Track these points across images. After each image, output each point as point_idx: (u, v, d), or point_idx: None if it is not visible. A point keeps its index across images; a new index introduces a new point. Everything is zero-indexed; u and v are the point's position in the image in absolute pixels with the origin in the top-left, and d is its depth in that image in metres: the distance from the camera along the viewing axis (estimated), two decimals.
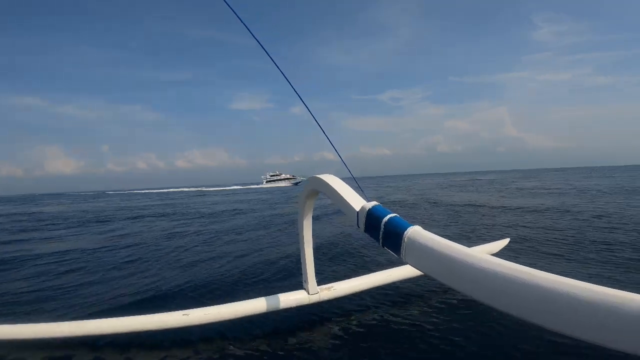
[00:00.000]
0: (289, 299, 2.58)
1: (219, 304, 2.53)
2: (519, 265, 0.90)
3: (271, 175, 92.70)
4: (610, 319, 0.72)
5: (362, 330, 2.63)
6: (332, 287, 2.74)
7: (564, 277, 0.81)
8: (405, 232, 1.16)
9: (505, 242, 3.99)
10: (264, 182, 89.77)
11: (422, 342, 2.38)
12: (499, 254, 3.83)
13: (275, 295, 2.59)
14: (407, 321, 2.72)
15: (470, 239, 5.94)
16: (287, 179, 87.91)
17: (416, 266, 1.15)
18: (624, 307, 0.72)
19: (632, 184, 17.44)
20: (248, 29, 2.03)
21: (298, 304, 2.59)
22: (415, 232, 1.15)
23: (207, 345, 2.45)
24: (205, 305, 2.51)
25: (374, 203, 1.40)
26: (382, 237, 1.25)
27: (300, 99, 2.15)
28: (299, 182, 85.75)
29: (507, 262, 0.92)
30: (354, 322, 2.75)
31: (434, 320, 2.69)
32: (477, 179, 37.58)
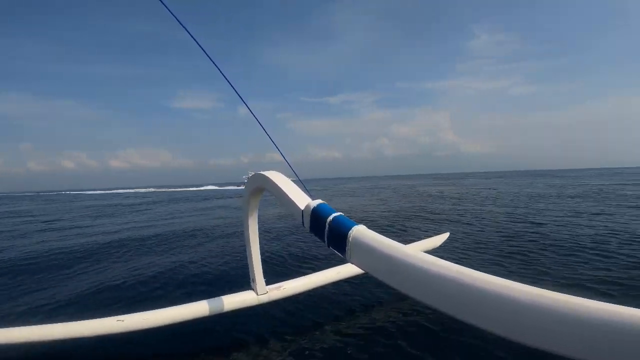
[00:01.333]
0: (235, 301, 2.48)
1: (157, 308, 2.37)
2: (453, 264, 0.90)
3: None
4: (535, 319, 0.74)
5: (315, 330, 2.62)
6: (281, 286, 2.69)
7: (497, 277, 0.82)
8: (349, 232, 1.14)
9: (445, 236, 4.13)
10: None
11: (378, 340, 2.41)
12: (440, 248, 4.00)
13: (220, 297, 2.48)
14: (362, 320, 2.75)
15: (414, 235, 6.19)
16: None
17: (360, 266, 1.14)
18: (549, 307, 0.73)
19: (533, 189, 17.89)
20: (183, 26, 1.91)
21: (246, 305, 2.51)
22: (359, 231, 1.13)
23: (146, 353, 2.30)
24: (144, 310, 2.35)
25: (318, 201, 1.36)
26: (327, 237, 1.22)
27: (240, 97, 2.05)
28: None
29: (443, 260, 0.93)
30: (306, 321, 2.73)
31: (389, 319, 2.73)
32: (382, 184, 36.23)
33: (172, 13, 1.90)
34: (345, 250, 1.15)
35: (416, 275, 0.94)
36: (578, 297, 0.73)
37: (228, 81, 2.05)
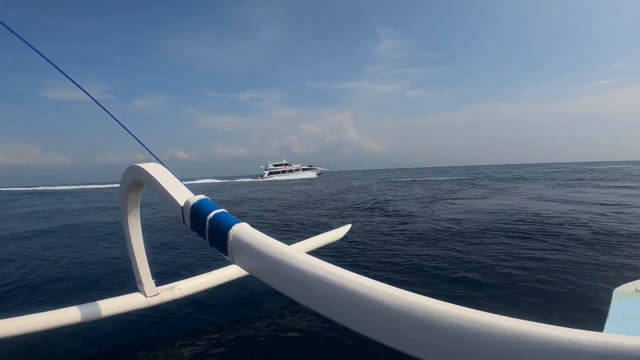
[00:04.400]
0: (121, 304, 2.24)
1: (29, 314, 2.02)
2: (330, 264, 0.89)
3: (275, 165, 71.50)
4: (406, 325, 0.74)
5: (213, 331, 2.52)
6: (175, 286, 2.50)
7: (374, 281, 0.83)
8: (230, 230, 1.07)
9: (347, 228, 4.18)
10: (266, 175, 68.91)
11: (281, 341, 2.39)
12: (343, 239, 4.08)
13: (103, 300, 2.22)
14: (265, 320, 2.69)
15: (318, 226, 6.37)
16: (305, 169, 70.51)
17: (243, 267, 1.08)
18: (417, 313, 0.74)
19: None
20: None
21: (133, 309, 2.28)
22: (241, 230, 1.08)
23: None
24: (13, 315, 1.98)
25: (200, 197, 1.28)
26: (209, 235, 1.15)
27: (84, 91, 1.83)
28: (321, 172, 72.32)
29: (322, 262, 0.92)
30: (202, 324, 2.61)
31: (292, 318, 2.72)
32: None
33: None
34: (227, 250, 1.08)
35: (293, 277, 0.91)
36: (436, 300, 0.76)
37: (59, 69, 1.80)
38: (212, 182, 55.69)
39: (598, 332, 0.66)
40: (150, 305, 2.32)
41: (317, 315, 2.68)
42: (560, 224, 5.97)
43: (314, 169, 71.67)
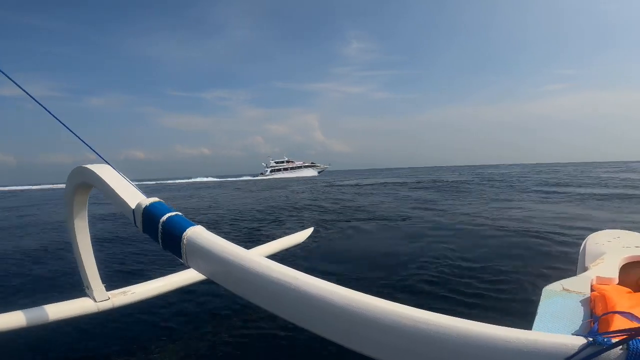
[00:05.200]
0: (68, 309, 2.13)
1: None
2: (288, 268, 0.91)
3: (277, 163, 68.88)
4: (359, 326, 0.78)
5: (167, 337, 2.46)
6: (128, 291, 2.41)
7: (329, 283, 0.85)
8: (184, 234, 1.07)
9: (309, 231, 4.18)
10: (268, 172, 66.62)
11: (245, 346, 2.35)
12: (306, 242, 4.12)
13: (50, 304, 2.11)
14: (221, 323, 2.66)
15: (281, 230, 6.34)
16: (306, 166, 68.39)
17: (199, 270, 1.08)
18: (367, 313, 0.77)
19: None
20: None
21: (82, 313, 2.17)
22: (195, 233, 1.07)
23: None
24: None
25: (153, 200, 1.26)
26: (162, 238, 1.13)
27: (20, 87, 1.74)
28: (322, 170, 70.25)
29: (278, 265, 0.93)
30: (157, 329, 2.53)
31: (254, 322, 2.66)
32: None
33: None
34: (181, 254, 1.08)
35: (249, 279, 0.92)
36: (385, 300, 0.79)
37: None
38: (208, 181, 53.71)
39: (526, 330, 0.72)
40: (100, 310, 2.23)
41: (275, 318, 2.71)
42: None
43: (316, 166, 70.03)
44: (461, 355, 0.70)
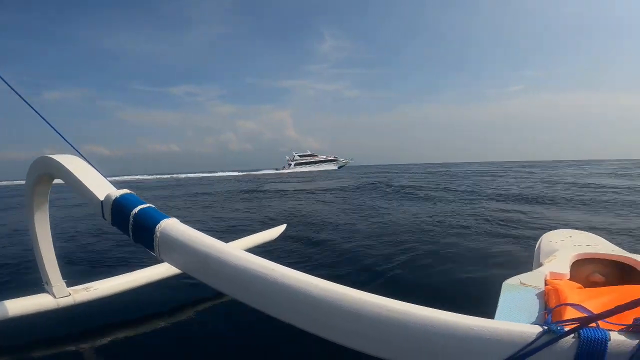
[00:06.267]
0: (25, 305, 2.04)
1: None
2: (265, 260, 0.92)
3: (301, 157, 68.79)
4: (334, 314, 0.80)
5: (132, 334, 2.39)
6: (91, 287, 2.33)
7: (305, 274, 0.87)
8: (157, 226, 1.05)
9: (282, 228, 4.18)
10: (292, 166, 65.96)
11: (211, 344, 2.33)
12: (278, 239, 4.10)
13: (6, 300, 2.02)
14: (190, 322, 2.59)
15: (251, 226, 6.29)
16: (328, 160, 67.95)
17: (172, 263, 1.06)
18: (342, 303, 0.80)
19: None
20: None
21: (41, 310, 2.08)
22: (169, 225, 1.06)
23: None
24: None
25: (124, 191, 1.23)
26: (132, 231, 1.11)
27: None
28: (343, 165, 69.55)
29: (256, 257, 0.94)
30: (122, 326, 2.46)
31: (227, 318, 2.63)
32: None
33: None
34: (153, 247, 1.06)
35: (226, 271, 0.92)
36: (358, 291, 0.82)
37: None
38: (230, 175, 51.88)
39: (489, 319, 0.78)
40: (60, 306, 2.14)
41: (250, 312, 2.69)
42: None
43: (337, 160, 70.00)
44: (429, 342, 0.75)
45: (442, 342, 0.74)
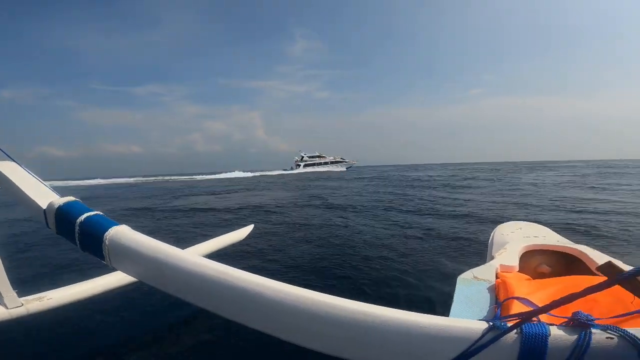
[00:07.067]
0: None
1: None
2: (220, 264, 0.92)
3: (310, 157, 68.07)
4: (287, 315, 0.81)
5: (88, 345, 2.33)
6: (44, 296, 2.21)
7: (261, 277, 0.88)
8: (106, 234, 1.03)
9: (249, 228, 4.13)
10: (302, 167, 65.15)
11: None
12: (246, 240, 4.06)
13: None
14: (151, 326, 2.55)
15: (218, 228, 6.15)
16: (336, 162, 67.92)
17: (125, 271, 1.05)
18: (295, 304, 0.81)
19: None
20: None
21: None
22: (119, 232, 1.04)
23: None
24: None
25: (68, 199, 1.19)
26: (79, 239, 1.08)
27: None
28: (350, 166, 69.43)
29: (210, 261, 0.94)
30: (77, 338, 2.37)
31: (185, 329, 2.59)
32: None
33: None
34: (103, 255, 1.04)
35: (180, 277, 0.92)
36: (312, 291, 0.83)
37: None
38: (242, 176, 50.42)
39: (439, 316, 0.80)
40: (12, 317, 2.02)
41: (211, 317, 2.64)
42: None
43: (344, 162, 70.86)
44: (384, 340, 0.76)
45: (394, 339, 0.75)
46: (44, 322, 2.32)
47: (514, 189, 13.23)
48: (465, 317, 1.07)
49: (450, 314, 1.20)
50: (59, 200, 1.18)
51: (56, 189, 1.32)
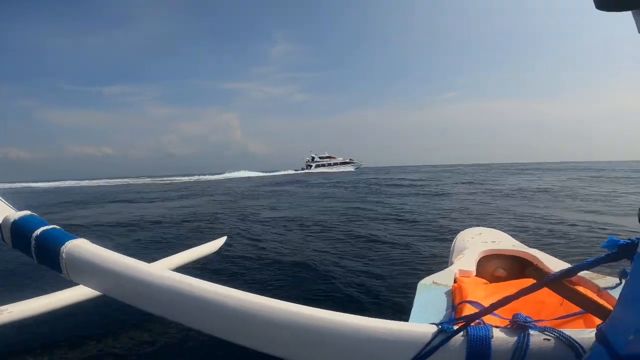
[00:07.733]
0: None
1: None
2: (180, 275, 0.94)
3: (321, 158, 68.75)
4: (248, 322, 0.83)
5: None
6: (4, 310, 2.15)
7: (223, 287, 0.90)
8: (62, 247, 1.04)
9: (222, 240, 4.14)
10: (313, 167, 66.05)
11: None
12: (220, 250, 4.01)
13: None
14: (114, 346, 2.43)
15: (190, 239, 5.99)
16: (345, 162, 68.53)
17: (83, 283, 1.07)
18: (255, 312, 0.83)
19: None
20: None
21: None
22: (77, 246, 1.06)
23: None
24: None
25: (24, 213, 1.19)
26: (35, 253, 1.09)
27: None
28: (358, 167, 69.43)
29: (170, 272, 0.97)
30: (39, 352, 2.26)
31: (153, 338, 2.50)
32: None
33: None
34: (60, 268, 1.05)
35: (141, 289, 0.94)
36: (275, 300, 0.85)
37: None
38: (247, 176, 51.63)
39: (392, 321, 0.83)
40: None
41: (173, 325, 2.59)
42: None
43: (353, 163, 71.82)
44: (339, 345, 0.79)
45: (346, 344, 0.78)
46: (3, 336, 2.23)
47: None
48: (423, 322, 1.11)
49: (410, 318, 1.23)
50: (14, 214, 1.17)
51: None
